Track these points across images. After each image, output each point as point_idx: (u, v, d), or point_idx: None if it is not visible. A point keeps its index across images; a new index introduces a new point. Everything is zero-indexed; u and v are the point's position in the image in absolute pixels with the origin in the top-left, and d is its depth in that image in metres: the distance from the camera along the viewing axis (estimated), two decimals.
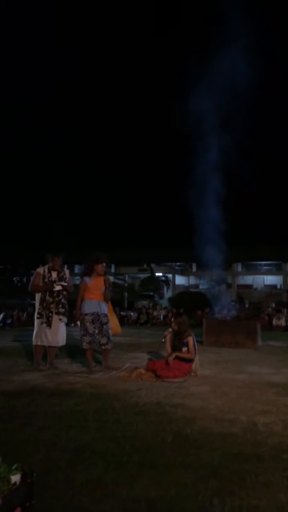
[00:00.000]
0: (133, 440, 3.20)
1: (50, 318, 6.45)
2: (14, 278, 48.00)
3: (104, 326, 6.36)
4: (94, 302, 6.36)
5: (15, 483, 1.52)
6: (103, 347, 6.39)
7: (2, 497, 1.42)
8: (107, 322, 6.42)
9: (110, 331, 6.44)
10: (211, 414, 4.02)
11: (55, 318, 6.48)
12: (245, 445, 3.14)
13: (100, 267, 6.45)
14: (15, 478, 1.53)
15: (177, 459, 2.83)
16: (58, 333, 6.51)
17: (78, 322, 6.48)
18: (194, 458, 2.86)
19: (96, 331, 6.29)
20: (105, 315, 6.45)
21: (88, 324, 6.27)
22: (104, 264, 6.54)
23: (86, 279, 6.44)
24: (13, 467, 1.57)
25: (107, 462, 2.76)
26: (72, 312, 7.16)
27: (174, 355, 5.97)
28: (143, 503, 2.23)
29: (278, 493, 2.40)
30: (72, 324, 9.55)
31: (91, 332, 6.25)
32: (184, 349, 6.09)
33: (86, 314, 6.30)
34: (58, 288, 6.49)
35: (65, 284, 6.61)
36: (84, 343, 6.27)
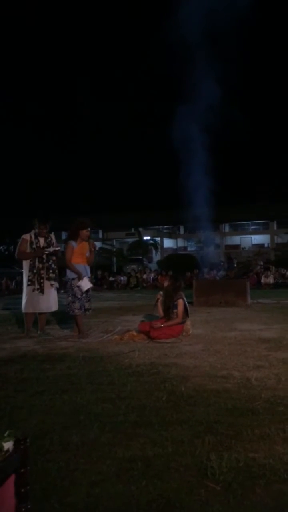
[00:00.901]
0: (128, 400, 3.20)
1: (42, 284, 6.37)
2: (1, 247, 47.56)
3: (89, 291, 6.34)
4: (81, 266, 6.27)
5: (8, 450, 1.47)
6: (86, 312, 6.34)
7: None
8: (91, 286, 6.40)
9: (90, 294, 6.43)
10: (205, 371, 4.04)
11: (46, 283, 6.39)
12: (240, 400, 3.16)
13: (85, 233, 6.34)
14: (8, 445, 1.48)
15: (172, 417, 2.83)
16: (50, 298, 6.45)
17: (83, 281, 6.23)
18: (189, 415, 2.86)
19: (84, 295, 6.23)
20: (88, 277, 6.40)
21: (76, 288, 6.20)
22: (89, 229, 6.41)
23: (72, 243, 6.32)
24: (5, 434, 1.52)
25: (102, 423, 2.75)
26: (61, 279, 7.09)
27: (159, 325, 5.90)
28: (139, 462, 2.22)
29: (274, 445, 2.41)
30: (62, 290, 9.50)
31: (79, 296, 6.19)
32: (175, 311, 6.08)
33: (73, 279, 6.22)
34: (50, 250, 6.38)
35: (57, 248, 6.51)
36: (76, 310, 6.18)
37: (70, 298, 6.22)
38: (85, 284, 6.20)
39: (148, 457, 2.28)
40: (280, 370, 4.03)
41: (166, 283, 6.23)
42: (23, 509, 1.49)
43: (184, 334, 6.00)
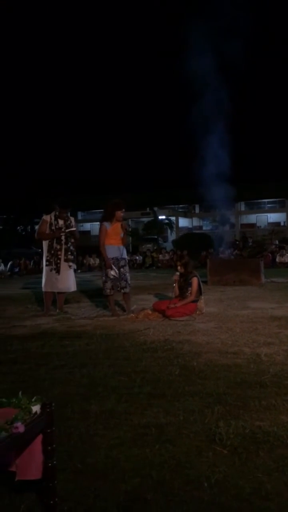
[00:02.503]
0: (143, 374, 3.40)
1: (58, 265, 6.58)
2: (18, 227, 48.14)
3: (122, 269, 6.44)
4: (115, 247, 6.41)
5: (35, 413, 1.66)
6: (122, 290, 6.48)
7: (25, 425, 1.57)
8: (125, 265, 6.50)
9: (128, 274, 6.52)
10: (216, 347, 4.21)
11: (64, 264, 6.60)
12: (249, 374, 3.33)
13: (120, 213, 6.46)
14: (36, 408, 1.67)
15: (184, 389, 3.02)
16: (68, 279, 6.67)
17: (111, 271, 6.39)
18: (200, 387, 3.05)
19: (116, 276, 6.37)
20: (124, 259, 6.53)
21: (108, 269, 6.35)
22: (123, 210, 6.55)
23: (106, 224, 6.46)
24: (33, 399, 1.71)
25: (119, 395, 2.96)
26: (78, 259, 7.32)
27: (173, 304, 6.08)
28: (153, 429, 2.42)
29: (279, 414, 2.58)
30: (79, 270, 9.72)
31: (111, 277, 6.34)
32: (190, 289, 6.24)
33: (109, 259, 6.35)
34: (68, 231, 6.55)
35: (74, 229, 6.69)
36: (107, 290, 6.36)
37: (103, 278, 6.42)
38: (113, 272, 6.32)
39: (161, 424, 2.47)
40: None
41: (180, 268, 6.35)
42: (50, 464, 1.70)
43: (197, 312, 6.17)
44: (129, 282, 6.54)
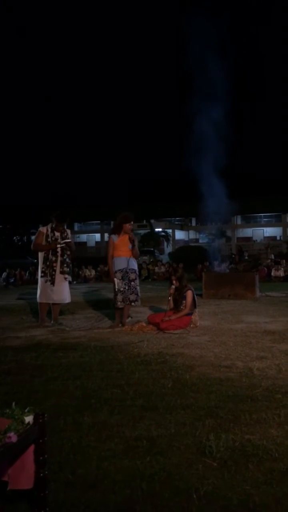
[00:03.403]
0: (136, 386, 3.42)
1: (53, 277, 6.62)
2: (14, 238, 48.19)
3: (132, 283, 6.46)
4: (123, 259, 6.44)
5: (28, 423, 1.70)
6: (132, 304, 6.50)
7: (18, 435, 1.60)
8: (135, 279, 6.52)
9: (138, 288, 6.54)
10: (209, 361, 4.25)
11: (59, 276, 6.63)
12: (241, 388, 3.36)
13: (128, 226, 6.54)
14: (28, 419, 1.70)
15: (176, 402, 3.05)
16: (63, 291, 6.71)
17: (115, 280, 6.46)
18: (193, 400, 3.08)
19: (126, 287, 6.40)
20: (134, 271, 6.53)
21: (118, 281, 6.38)
22: (132, 223, 6.63)
23: (113, 236, 6.55)
24: (26, 409, 1.74)
25: (112, 407, 2.98)
26: (74, 270, 7.37)
27: (167, 317, 6.11)
28: (145, 441, 2.45)
29: (269, 428, 2.62)
30: (74, 282, 9.75)
31: (122, 289, 6.37)
32: (184, 302, 6.27)
33: (115, 272, 6.41)
34: (63, 242, 6.60)
35: (69, 241, 6.74)
36: (119, 302, 6.39)
37: (114, 291, 6.45)
38: (118, 284, 6.37)
39: (153, 437, 2.50)
40: (281, 361, 4.22)
41: (175, 282, 6.39)
42: (41, 474, 1.73)
43: (192, 325, 6.21)
44: (139, 295, 6.55)
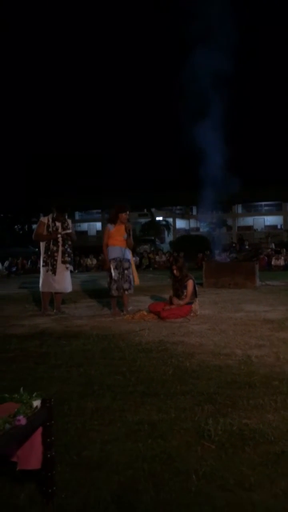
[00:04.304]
0: (138, 373, 3.53)
1: (54, 266, 6.71)
2: (16, 227, 48.23)
3: (126, 271, 6.61)
4: (117, 248, 6.60)
5: (36, 407, 1.79)
6: (126, 292, 6.66)
7: (27, 418, 1.70)
8: (129, 268, 6.67)
9: (131, 276, 6.69)
10: (209, 349, 4.35)
11: (61, 266, 6.74)
12: (239, 375, 3.47)
13: (124, 216, 6.67)
14: (36, 403, 1.80)
15: (177, 388, 3.15)
16: (64, 280, 6.81)
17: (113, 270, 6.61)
18: (192, 387, 3.18)
19: (120, 276, 6.56)
20: (127, 261, 6.69)
21: (112, 270, 6.54)
22: (128, 212, 6.74)
23: (110, 226, 6.70)
24: (34, 394, 1.84)
25: (114, 393, 3.09)
26: (75, 259, 7.52)
27: (168, 307, 6.22)
28: (146, 425, 2.55)
29: (266, 413, 2.72)
30: (76, 271, 9.86)
31: (116, 278, 6.53)
32: (185, 292, 6.37)
33: (109, 261, 6.58)
34: (64, 233, 6.71)
35: (70, 231, 6.83)
36: (113, 291, 6.56)
37: (108, 279, 6.63)
38: (113, 273, 6.52)
39: (154, 421, 2.61)
40: (280, 349, 4.32)
41: (175, 272, 6.49)
42: (48, 455, 1.83)
43: (192, 314, 6.31)
44: (132, 284, 6.71)
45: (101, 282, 13.41)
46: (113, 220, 6.69)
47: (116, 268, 6.56)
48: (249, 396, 3.00)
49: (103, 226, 50.08)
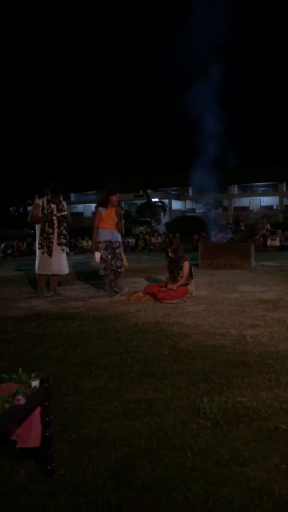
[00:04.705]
0: (134, 354, 3.58)
1: (50, 248, 6.72)
2: (11, 208, 47.98)
3: (117, 250, 6.71)
4: (108, 231, 6.69)
5: (35, 387, 1.83)
6: (118, 270, 6.76)
7: (26, 398, 1.73)
8: (119, 247, 6.78)
9: (122, 255, 6.80)
10: (205, 329, 4.41)
11: (57, 248, 6.75)
12: (234, 354, 3.53)
13: (114, 198, 6.73)
14: (35, 383, 1.84)
15: (172, 368, 3.21)
16: (60, 262, 6.83)
17: (96, 253, 6.74)
18: (188, 366, 3.24)
19: (110, 257, 6.64)
20: (117, 242, 6.78)
21: (102, 251, 6.63)
22: (118, 195, 6.79)
23: (101, 209, 6.76)
24: (32, 375, 1.88)
25: (111, 373, 3.14)
26: (71, 241, 7.56)
27: (170, 287, 6.27)
28: (142, 404, 2.61)
29: (260, 391, 2.78)
30: (72, 253, 9.88)
31: (105, 258, 6.62)
32: (181, 273, 6.40)
33: (99, 242, 6.67)
34: (59, 215, 6.72)
35: (65, 213, 6.83)
36: (101, 270, 6.69)
37: (98, 261, 6.70)
38: (102, 254, 6.61)
39: (150, 400, 2.66)
40: (274, 328, 4.38)
41: (170, 254, 6.52)
42: (47, 433, 1.87)
43: (188, 295, 6.35)
44: (124, 262, 6.82)
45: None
46: (104, 203, 6.75)
47: (106, 249, 6.64)
48: (243, 374, 3.06)
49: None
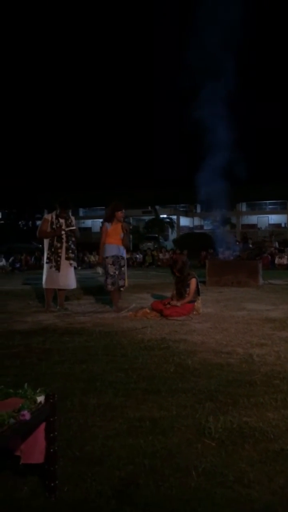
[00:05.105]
0: (139, 371, 3.57)
1: (58, 263, 6.76)
2: (20, 222, 48.37)
3: (122, 269, 6.79)
4: (114, 246, 6.77)
5: (40, 402, 1.83)
6: (121, 288, 6.85)
7: (31, 413, 1.73)
8: (124, 265, 6.86)
9: (126, 274, 6.90)
10: (211, 347, 4.38)
11: (65, 262, 6.79)
12: (240, 373, 3.50)
13: (120, 214, 6.87)
14: (40, 398, 1.84)
15: (178, 386, 3.19)
16: (68, 276, 6.86)
17: (99, 267, 6.87)
18: (194, 384, 3.22)
19: (116, 273, 6.70)
20: (123, 258, 6.88)
21: (109, 266, 6.70)
22: (123, 211, 6.91)
23: (107, 224, 6.87)
24: (38, 390, 1.88)
25: (116, 390, 3.13)
26: (79, 256, 7.63)
27: (175, 302, 6.25)
28: (147, 422, 2.59)
29: (266, 412, 2.75)
30: (79, 267, 9.92)
31: (112, 273, 6.68)
32: (188, 290, 6.39)
33: (106, 257, 6.74)
34: (68, 229, 6.79)
35: (74, 228, 6.90)
36: (109, 286, 6.72)
37: (104, 274, 6.80)
38: (109, 268, 6.67)
39: (155, 418, 2.65)
40: (281, 348, 4.34)
41: (176, 273, 6.53)
42: (51, 450, 1.87)
43: (194, 312, 6.34)
44: (126, 281, 6.90)
45: None
46: (110, 219, 6.86)
47: (113, 264, 6.71)
48: (249, 394, 3.03)
49: None
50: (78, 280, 7.42)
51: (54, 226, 6.82)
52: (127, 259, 7.25)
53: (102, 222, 7.15)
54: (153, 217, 41.78)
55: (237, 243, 23.27)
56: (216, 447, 2.29)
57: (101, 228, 7.06)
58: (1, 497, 1.89)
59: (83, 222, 50.95)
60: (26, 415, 1.69)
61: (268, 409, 2.79)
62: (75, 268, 7.11)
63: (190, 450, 2.27)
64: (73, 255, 6.92)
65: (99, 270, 6.81)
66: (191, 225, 49.80)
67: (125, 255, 6.96)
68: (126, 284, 6.98)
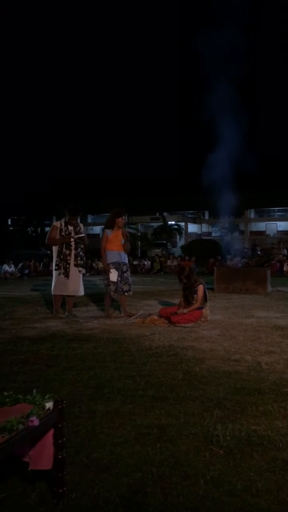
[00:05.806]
0: (147, 378, 3.56)
1: (67, 270, 6.79)
2: (28, 229, 48.63)
3: (125, 274, 6.86)
4: (115, 253, 6.84)
5: (48, 409, 1.84)
6: (126, 294, 6.89)
7: (40, 419, 1.74)
8: (127, 271, 6.93)
9: (130, 279, 6.95)
10: (219, 354, 4.37)
11: (73, 269, 6.83)
12: (248, 381, 3.48)
13: (121, 221, 6.94)
14: (49, 404, 1.85)
15: (186, 393, 3.18)
16: (77, 283, 6.89)
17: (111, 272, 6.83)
18: (201, 392, 3.21)
19: (119, 279, 6.73)
20: (125, 264, 6.94)
21: (113, 272, 6.75)
22: (124, 217, 6.99)
23: (107, 231, 6.94)
24: (46, 396, 1.89)
25: (124, 396, 3.13)
26: (87, 263, 7.68)
27: (182, 310, 6.25)
28: (155, 429, 2.59)
29: (275, 420, 2.74)
30: (88, 274, 9.96)
31: (115, 280, 6.70)
32: (196, 297, 6.38)
33: (108, 264, 6.79)
34: (77, 236, 6.84)
35: (83, 235, 6.94)
36: (112, 292, 6.78)
37: (106, 281, 6.85)
38: (113, 276, 6.70)
39: (163, 425, 2.64)
40: None
41: (184, 280, 6.52)
42: (60, 456, 1.87)
43: (202, 319, 6.32)
44: (131, 285, 6.96)
45: None
46: (111, 225, 6.93)
47: (115, 270, 6.75)
48: (258, 402, 3.02)
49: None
50: (87, 287, 7.44)
51: (63, 233, 6.86)
52: (135, 265, 7.29)
53: (102, 229, 7.22)
54: (161, 223, 41.78)
55: (245, 250, 23.22)
56: (224, 455, 2.28)
57: (102, 235, 7.12)
58: (10, 504, 1.89)
59: (92, 229, 51.07)
60: (35, 421, 1.70)
61: (276, 417, 2.78)
62: (83, 274, 7.14)
63: (198, 458, 2.26)
64: (82, 262, 6.96)
65: (112, 276, 6.79)
66: (199, 232, 49.73)
67: (126, 260, 7.01)
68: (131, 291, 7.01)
